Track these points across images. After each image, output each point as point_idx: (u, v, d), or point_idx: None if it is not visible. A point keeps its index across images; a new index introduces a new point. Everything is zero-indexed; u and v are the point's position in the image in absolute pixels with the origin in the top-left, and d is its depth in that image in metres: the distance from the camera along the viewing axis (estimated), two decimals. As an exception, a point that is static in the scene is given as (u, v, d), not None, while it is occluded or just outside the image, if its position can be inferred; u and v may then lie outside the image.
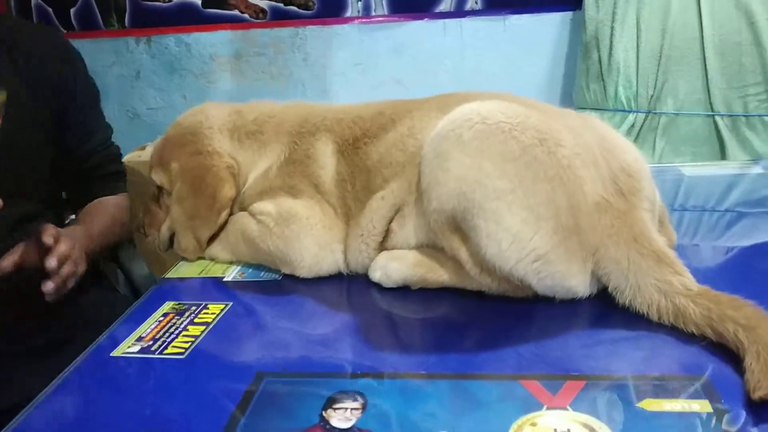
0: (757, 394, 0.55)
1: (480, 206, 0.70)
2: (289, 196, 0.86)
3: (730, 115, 2.01)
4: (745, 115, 2.00)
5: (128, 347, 0.72)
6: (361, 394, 0.61)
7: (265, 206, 0.88)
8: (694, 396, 0.58)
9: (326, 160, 0.87)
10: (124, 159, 2.20)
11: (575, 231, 0.70)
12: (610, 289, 0.72)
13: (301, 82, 2.45)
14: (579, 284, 0.72)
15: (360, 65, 2.41)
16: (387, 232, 0.83)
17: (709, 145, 2.04)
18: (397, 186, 0.81)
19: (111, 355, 0.71)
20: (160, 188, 0.97)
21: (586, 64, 2.14)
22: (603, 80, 2.11)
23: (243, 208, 0.93)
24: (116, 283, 1.54)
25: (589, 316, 0.73)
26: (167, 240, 0.98)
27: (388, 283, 0.81)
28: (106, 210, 1.29)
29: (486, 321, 0.74)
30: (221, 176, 0.91)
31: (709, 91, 2.01)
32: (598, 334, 0.70)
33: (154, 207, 0.99)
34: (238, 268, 0.92)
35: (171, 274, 0.91)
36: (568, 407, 0.57)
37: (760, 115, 1.98)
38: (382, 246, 0.84)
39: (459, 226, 0.73)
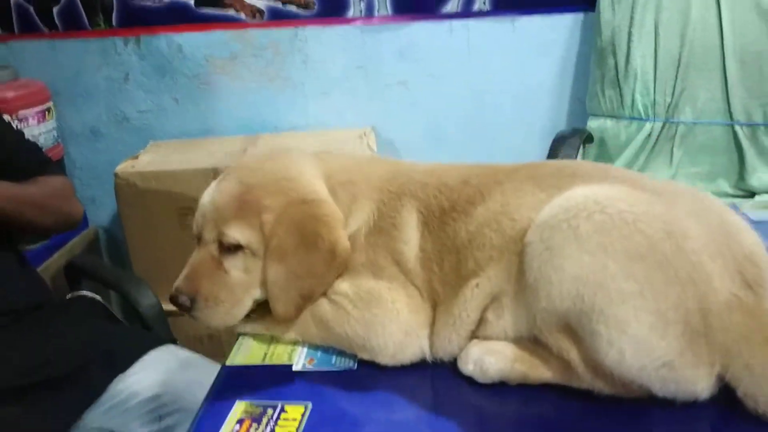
0: None
1: (601, 311, 0.64)
2: (371, 274, 0.79)
3: (750, 125, 1.98)
4: (765, 124, 1.97)
5: (210, 472, 0.64)
6: None
7: (341, 285, 0.80)
8: None
9: (411, 233, 0.79)
10: (116, 170, 2.12)
11: (704, 334, 0.65)
12: (739, 394, 0.66)
13: (300, 84, 2.36)
14: (705, 388, 0.67)
15: (362, 68, 2.33)
16: (480, 321, 0.76)
17: (728, 154, 2.01)
18: (494, 274, 0.74)
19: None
20: (235, 247, 0.82)
21: (602, 70, 2.09)
22: (619, 87, 2.05)
23: None
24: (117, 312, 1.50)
25: (710, 421, 0.67)
26: (246, 311, 0.85)
27: (482, 379, 0.75)
28: (40, 182, 1.42)
29: (596, 428, 0.68)
30: (336, 226, 0.80)
31: (728, 99, 1.98)
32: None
33: (218, 271, 0.83)
34: (305, 350, 0.84)
35: (232, 360, 0.83)
36: None
37: (779, 124, 1.95)
38: (474, 334, 0.77)
39: (573, 328, 0.66)
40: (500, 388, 0.75)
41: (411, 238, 0.79)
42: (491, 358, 0.74)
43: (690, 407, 0.68)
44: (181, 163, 2.18)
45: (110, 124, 2.46)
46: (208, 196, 0.83)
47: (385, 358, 0.78)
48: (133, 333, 1.43)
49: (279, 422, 0.71)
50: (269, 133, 2.41)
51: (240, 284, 0.81)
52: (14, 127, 1.63)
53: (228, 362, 0.83)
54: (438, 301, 0.78)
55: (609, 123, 2.08)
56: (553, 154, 1.75)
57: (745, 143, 1.98)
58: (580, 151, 2.03)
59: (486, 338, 0.76)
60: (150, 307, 1.50)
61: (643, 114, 2.04)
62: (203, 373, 1.30)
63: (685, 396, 0.67)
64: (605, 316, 0.64)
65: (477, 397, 0.74)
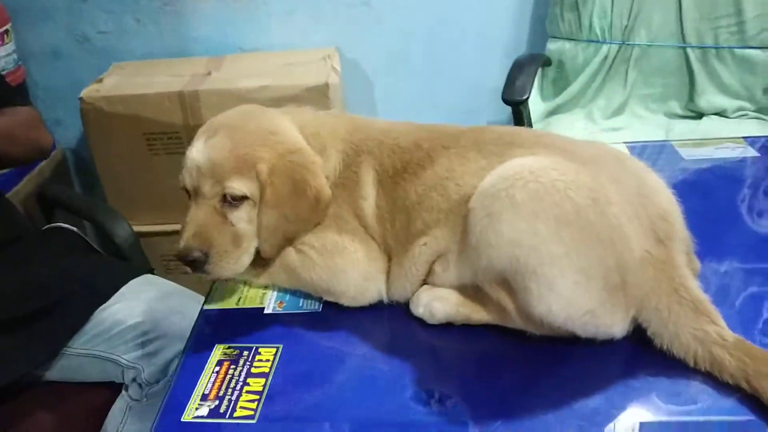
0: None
1: (533, 271, 0.73)
2: (335, 226, 0.87)
3: (701, 47, 2.04)
4: (715, 47, 2.04)
5: (196, 409, 0.75)
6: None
7: (308, 236, 0.88)
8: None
9: (368, 189, 0.87)
10: (82, 94, 2.13)
11: (622, 286, 0.75)
12: (649, 333, 0.77)
13: (264, 4, 2.35)
14: (620, 330, 0.77)
15: (325, -13, 2.32)
16: (429, 271, 0.85)
17: (680, 77, 2.09)
18: (440, 234, 0.83)
19: (182, 420, 0.73)
20: (240, 199, 0.85)
21: (561, -7, 2.12)
22: (578, 10, 2.10)
23: None
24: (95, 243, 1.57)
25: (624, 356, 0.78)
26: (251, 258, 0.89)
27: (431, 320, 0.85)
28: (8, 113, 1.43)
29: (527, 362, 0.79)
30: (320, 174, 0.87)
31: (681, 23, 2.04)
32: (640, 383, 0.76)
33: (225, 224, 0.86)
34: (275, 295, 0.93)
35: (209, 304, 0.92)
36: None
37: (729, 47, 2.03)
38: (424, 282, 0.86)
39: (509, 283, 0.76)
40: (446, 327, 0.85)
41: (369, 194, 0.87)
42: (438, 304, 0.84)
43: (607, 344, 0.79)
44: (147, 86, 2.19)
45: (71, 45, 2.44)
46: (200, 154, 0.85)
47: (347, 301, 0.88)
48: (112, 264, 1.50)
49: (254, 364, 0.81)
50: (233, 54, 2.41)
51: (246, 234, 0.86)
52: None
53: (206, 306, 0.92)
54: (391, 254, 0.87)
55: (567, 45, 2.13)
56: (510, 80, 1.81)
57: (696, 66, 2.06)
58: (538, 74, 2.08)
59: (434, 285, 0.86)
60: (126, 238, 1.56)
61: (600, 36, 2.09)
62: (181, 301, 1.40)
63: (604, 336, 0.78)
64: (536, 275, 0.74)
65: (426, 335, 0.85)
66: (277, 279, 0.93)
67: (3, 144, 1.43)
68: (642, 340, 0.78)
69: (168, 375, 1.32)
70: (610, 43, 2.09)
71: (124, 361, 1.33)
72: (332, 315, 0.89)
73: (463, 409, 0.75)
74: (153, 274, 1.49)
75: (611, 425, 0.70)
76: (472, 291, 0.83)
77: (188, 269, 0.84)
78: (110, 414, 1.38)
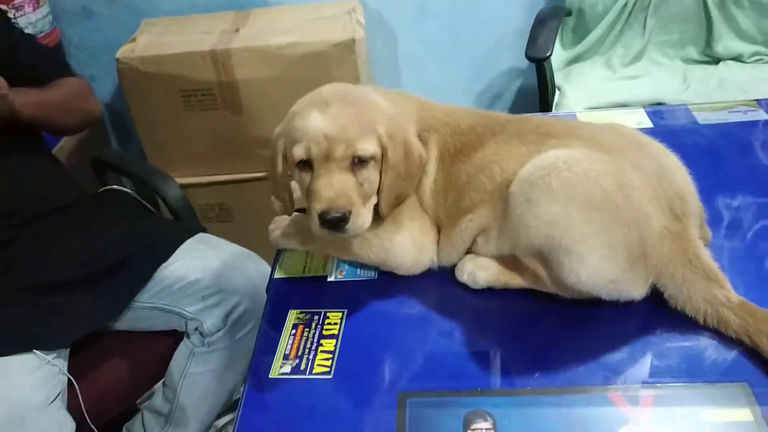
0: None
1: (567, 248, 0.85)
2: (405, 211, 0.98)
3: (719, -6, 2.09)
4: (733, -7, 2.08)
5: (280, 367, 0.89)
6: (490, 414, 0.80)
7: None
8: (741, 404, 0.78)
9: (431, 165, 0.98)
10: (117, 55, 2.22)
11: (642, 258, 0.87)
12: (665, 296, 0.90)
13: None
14: (640, 294, 0.90)
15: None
16: (473, 243, 0.98)
17: (697, 23, 2.15)
18: (484, 212, 0.95)
19: (270, 376, 0.87)
20: (367, 160, 0.92)
21: (582, -58, 2.15)
22: (598, -41, 2.13)
23: None
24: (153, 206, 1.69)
25: (643, 315, 0.91)
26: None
27: (474, 286, 0.98)
28: (61, 84, 1.55)
29: (559, 321, 0.93)
30: (416, 138, 0.97)
31: (700, -31, 2.07)
32: (657, 339, 0.88)
33: (358, 185, 0.92)
34: (335, 264, 1.06)
35: (278, 273, 1.05)
36: (647, 420, 0.77)
37: (747, -7, 2.07)
38: (468, 251, 0.99)
39: (544, 257, 0.88)
40: (487, 291, 0.98)
41: (430, 170, 0.98)
42: (481, 272, 0.97)
43: (628, 305, 0.91)
44: (179, 45, 2.26)
45: (101, 3, 2.51)
46: (327, 122, 0.90)
47: (403, 272, 1.01)
48: (169, 224, 1.64)
49: (324, 326, 0.94)
50: (258, 8, 2.47)
51: (371, 193, 0.94)
52: (21, 29, 1.72)
53: (276, 275, 1.05)
54: (441, 226, 0.99)
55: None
56: (533, 36, 1.88)
57: (714, 11, 2.11)
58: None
59: (477, 254, 0.98)
60: (178, 198, 1.69)
61: (619, -15, 2.14)
62: (234, 258, 1.54)
63: (626, 299, 0.90)
64: (569, 251, 0.86)
65: (471, 298, 0.98)
66: (337, 253, 1.05)
67: (60, 116, 1.54)
68: (658, 301, 0.90)
69: (227, 325, 1.47)
70: (629, -9, 2.14)
71: (187, 313, 1.47)
72: (387, 281, 1.01)
73: (504, 362, 0.88)
74: (205, 232, 1.62)
75: (631, 374, 0.83)
76: (510, 260, 0.95)
77: (326, 229, 0.91)
78: (174, 358, 1.54)
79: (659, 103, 1.85)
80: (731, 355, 0.84)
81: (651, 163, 0.91)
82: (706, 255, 0.89)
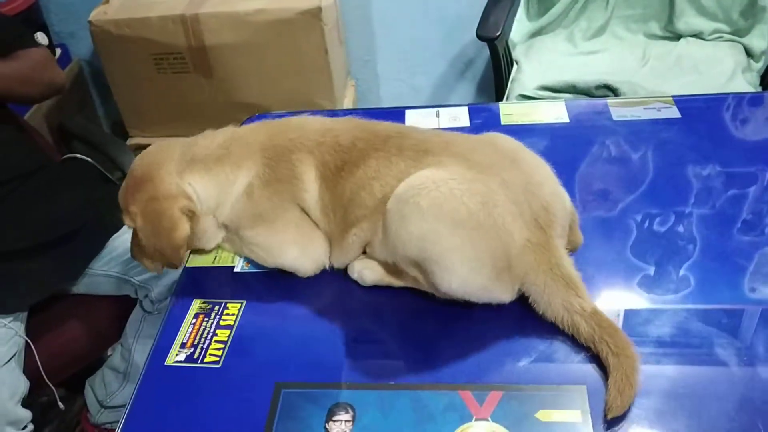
0: (609, 415, 0.84)
1: (437, 261, 0.93)
2: (277, 217, 1.05)
3: (681, -29, 2.09)
4: (695, -29, 2.08)
5: (176, 355, 0.98)
6: (351, 406, 0.89)
7: (255, 238, 1.08)
8: (576, 407, 0.86)
9: (310, 184, 1.04)
10: (90, 18, 2.26)
11: (507, 268, 0.94)
12: (530, 300, 0.97)
13: None
14: (508, 298, 0.98)
15: None
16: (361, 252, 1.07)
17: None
18: (367, 227, 1.02)
19: (165, 364, 0.97)
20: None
21: None
22: (564, -67, 2.13)
23: (237, 228, 1.09)
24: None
25: (511, 320, 0.99)
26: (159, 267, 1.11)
27: (362, 284, 1.07)
28: (22, 56, 1.58)
29: (436, 318, 1.01)
30: (174, 219, 1.03)
31: (664, -55, 2.07)
32: (518, 340, 0.96)
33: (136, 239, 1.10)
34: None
35: (190, 263, 1.13)
36: (489, 418, 0.86)
37: (709, -30, 2.07)
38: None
39: (419, 266, 0.96)
40: (376, 288, 1.07)
41: (311, 188, 1.05)
42: (368, 272, 1.06)
43: (502, 307, 0.99)
44: (150, 8, 2.31)
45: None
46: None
47: (300, 275, 1.10)
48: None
49: (222, 317, 1.03)
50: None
51: (149, 246, 1.09)
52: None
53: (187, 264, 1.13)
54: (332, 238, 1.07)
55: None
56: (485, 15, 1.91)
57: (676, -10, 2.11)
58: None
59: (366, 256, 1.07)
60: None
61: (584, -39, 2.14)
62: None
63: (496, 302, 0.98)
64: (438, 263, 0.94)
65: (360, 293, 1.07)
66: (241, 254, 1.15)
67: (20, 87, 1.60)
68: (525, 304, 0.98)
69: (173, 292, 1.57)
70: (594, -33, 2.14)
71: (136, 282, 1.57)
72: (288, 275, 1.10)
73: (375, 357, 0.97)
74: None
75: (485, 374, 0.92)
76: (392, 265, 1.03)
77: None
78: (129, 321, 1.65)
79: (607, 86, 1.88)
80: (578, 358, 0.92)
81: (520, 179, 0.98)
82: (568, 264, 0.96)
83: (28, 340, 1.50)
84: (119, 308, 1.67)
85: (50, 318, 1.59)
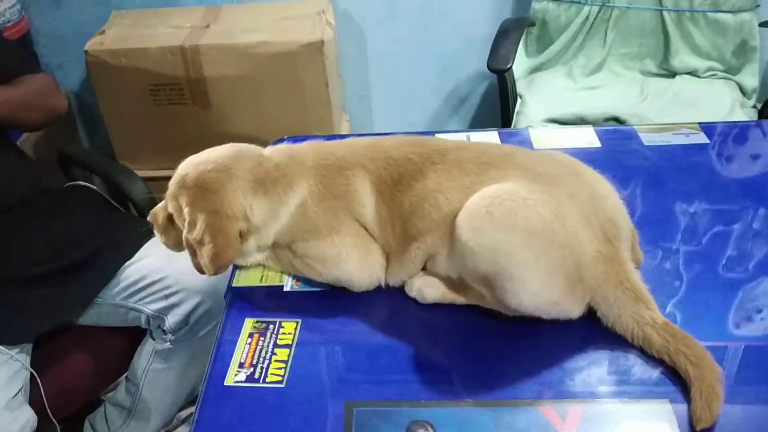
0: (699, 426, 0.82)
1: (509, 274, 0.91)
2: (333, 232, 1.02)
3: (677, 11, 2.17)
4: (690, 11, 2.16)
5: (235, 375, 0.93)
6: (430, 424, 0.85)
7: (309, 251, 1.04)
8: (663, 420, 0.84)
9: (366, 199, 1.02)
10: (86, 47, 2.23)
11: (579, 281, 0.93)
12: (598, 314, 0.96)
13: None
14: (577, 313, 0.96)
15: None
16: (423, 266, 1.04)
17: (655, 37, 2.23)
18: (431, 240, 0.99)
19: (225, 384, 0.92)
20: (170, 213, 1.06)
21: (544, -44, 2.21)
22: (561, -28, 2.20)
23: (288, 244, 1.06)
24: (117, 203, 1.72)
25: (580, 331, 0.97)
26: (175, 248, 1.11)
27: (422, 302, 1.04)
28: (25, 81, 1.55)
29: (501, 336, 0.98)
30: (230, 239, 1.01)
31: (659, -14, 2.15)
32: (588, 354, 0.95)
33: (164, 218, 1.09)
34: (291, 275, 1.11)
35: (236, 282, 1.09)
36: (575, 433, 0.84)
37: (703, 11, 2.15)
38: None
39: (488, 281, 0.94)
40: (434, 306, 1.04)
41: (367, 203, 1.02)
42: (429, 289, 1.03)
43: (567, 322, 0.97)
44: (149, 39, 2.28)
45: (66, -9, 2.50)
46: None
47: (354, 290, 1.06)
48: (134, 221, 1.66)
49: (279, 336, 0.99)
50: (229, 5, 2.49)
51: (165, 230, 1.12)
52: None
53: (234, 284, 1.09)
54: (391, 252, 1.04)
55: (551, 5, 2.24)
56: (495, 48, 1.94)
57: (671, 28, 2.19)
58: (524, 32, 2.20)
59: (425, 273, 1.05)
60: (143, 196, 1.72)
61: (582, -2, 2.21)
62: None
63: (564, 318, 0.97)
64: (512, 276, 0.91)
65: (418, 312, 1.03)
66: (292, 272, 1.11)
67: (22, 113, 1.55)
68: (594, 319, 0.97)
69: (189, 323, 1.51)
70: (591, 4, 2.21)
71: (149, 311, 1.51)
72: (340, 293, 1.06)
73: (447, 374, 0.95)
74: (170, 230, 1.64)
75: (563, 389, 0.90)
76: (456, 281, 1.01)
77: None
78: (137, 355, 1.58)
79: (614, 118, 1.92)
80: (655, 373, 0.91)
81: (585, 191, 0.97)
82: (636, 277, 0.95)
83: (34, 373, 1.42)
84: (126, 340, 1.61)
85: (55, 350, 1.52)
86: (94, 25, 2.41)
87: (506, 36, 1.95)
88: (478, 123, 2.75)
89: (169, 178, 2.40)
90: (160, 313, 1.51)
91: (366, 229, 1.04)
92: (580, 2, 2.22)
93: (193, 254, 1.03)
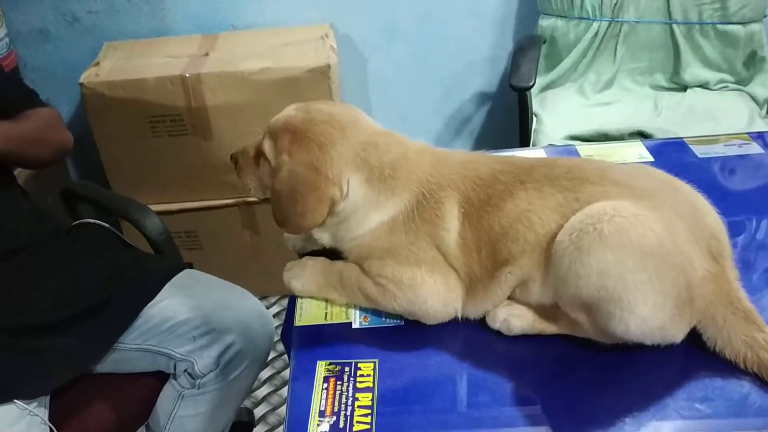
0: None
1: (618, 298, 0.84)
2: (412, 256, 0.95)
3: (686, 23, 2.15)
4: (699, 23, 2.15)
5: (317, 425, 0.84)
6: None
7: (384, 269, 0.96)
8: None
9: (452, 222, 0.95)
10: (82, 80, 2.13)
11: (689, 302, 0.86)
12: (704, 338, 0.90)
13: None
14: (681, 337, 0.90)
15: (319, -37, 2.33)
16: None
17: (665, 51, 2.21)
18: (526, 264, 0.92)
19: (308, 437, 0.83)
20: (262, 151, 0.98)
21: (552, -29, 2.19)
22: (569, -13, 2.17)
23: (361, 260, 0.99)
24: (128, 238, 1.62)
25: (684, 360, 0.91)
26: (258, 191, 1.04)
27: (508, 333, 0.96)
28: (32, 116, 1.46)
29: (596, 366, 0.91)
30: (323, 202, 0.94)
31: (668, 0, 2.13)
32: (697, 383, 0.88)
33: (251, 156, 1.01)
34: (358, 310, 1.03)
35: (299, 321, 1.00)
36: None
37: (712, 23, 2.14)
38: (501, 301, 0.97)
39: (591, 307, 0.86)
40: (518, 336, 0.96)
41: (452, 227, 0.95)
42: (515, 320, 0.95)
43: (667, 347, 0.90)
44: (147, 69, 2.20)
45: (60, 25, 2.41)
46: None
47: (427, 321, 0.98)
48: (154, 260, 1.56)
49: (357, 379, 0.91)
50: (226, 32, 2.42)
51: (253, 172, 1.04)
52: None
53: (297, 323, 1.00)
54: (475, 279, 0.96)
55: (559, 23, 2.21)
56: (516, 65, 1.89)
57: (681, 41, 2.17)
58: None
59: (512, 302, 0.97)
60: (159, 233, 1.62)
61: (590, 14, 2.18)
62: (225, 295, 1.48)
63: (668, 342, 0.90)
64: (621, 301, 0.84)
65: (501, 344, 0.96)
66: (357, 302, 1.02)
67: (33, 149, 1.46)
68: (693, 342, 0.90)
69: (220, 365, 1.41)
70: (600, 20, 2.18)
71: (177, 355, 1.41)
72: (415, 328, 0.98)
73: (545, 411, 0.87)
74: (192, 268, 1.56)
75: (676, 423, 0.83)
76: (547, 309, 0.94)
77: None
78: (160, 401, 1.47)
79: (639, 132, 1.88)
80: (770, 398, 0.84)
81: (686, 206, 0.91)
82: (745, 297, 0.89)
83: (53, 427, 1.32)
84: (147, 386, 1.50)
85: (73, 401, 1.41)
86: (83, 57, 2.32)
87: (525, 53, 1.91)
88: (482, 144, 2.70)
89: (170, 211, 2.34)
90: (187, 356, 1.41)
91: (447, 255, 0.96)
92: (588, 18, 2.19)
93: (277, 203, 0.94)
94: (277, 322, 1.95)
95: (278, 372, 2.17)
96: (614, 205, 0.85)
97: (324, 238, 1.03)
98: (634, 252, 0.83)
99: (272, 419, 2.04)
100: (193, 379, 1.42)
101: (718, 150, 1.33)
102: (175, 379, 1.46)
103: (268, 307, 2.38)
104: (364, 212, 0.97)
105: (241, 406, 1.73)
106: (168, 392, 1.47)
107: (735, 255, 0.96)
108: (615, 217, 0.84)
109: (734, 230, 1.08)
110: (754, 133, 1.38)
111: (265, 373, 2.16)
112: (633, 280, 0.83)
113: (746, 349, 0.87)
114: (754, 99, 2.16)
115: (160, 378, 1.48)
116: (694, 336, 0.90)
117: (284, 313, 2.04)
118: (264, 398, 2.09)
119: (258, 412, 2.05)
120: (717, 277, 0.88)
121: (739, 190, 1.24)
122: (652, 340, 0.89)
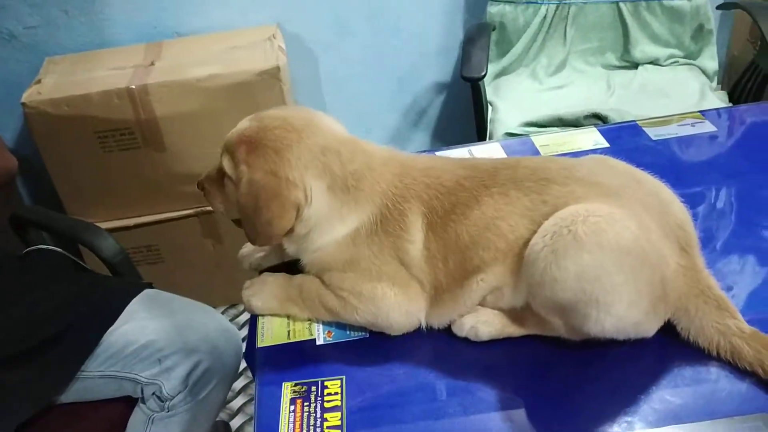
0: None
1: (596, 299, 0.82)
2: (374, 269, 0.93)
3: (633, 1, 2.16)
4: (646, 1, 2.15)
5: (289, 453, 0.82)
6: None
7: (345, 283, 0.94)
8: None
9: (416, 234, 0.92)
10: (23, 99, 2.06)
11: (663, 297, 0.86)
12: (678, 328, 0.89)
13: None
14: (654, 331, 0.89)
15: (260, -38, 2.28)
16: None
17: (614, 30, 2.21)
18: (498, 271, 0.90)
19: (281, 466, 0.81)
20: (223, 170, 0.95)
21: (498, -44, 2.17)
22: (510, -28, 2.16)
23: (322, 271, 0.97)
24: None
25: (654, 352, 0.90)
26: (232, 213, 1.00)
27: (475, 340, 0.94)
28: None
29: (570, 364, 0.90)
30: (287, 207, 0.91)
31: (614, -21, 2.14)
32: (671, 375, 0.87)
33: (214, 178, 0.99)
34: (321, 326, 1.00)
35: (261, 342, 0.98)
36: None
37: (659, 0, 2.15)
38: (469, 308, 0.95)
39: (566, 310, 0.85)
40: (487, 342, 0.95)
41: (416, 238, 0.92)
42: (483, 327, 0.94)
43: (639, 341, 0.90)
44: (91, 84, 2.13)
45: (-4, 44, 2.33)
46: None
47: (392, 333, 0.96)
48: (111, 283, 1.52)
49: (325, 398, 0.88)
50: (170, 40, 2.36)
51: (218, 195, 1.01)
52: None
53: (259, 345, 0.97)
54: (441, 290, 0.94)
55: (507, 8, 2.20)
56: (467, 57, 1.87)
57: (629, 19, 2.18)
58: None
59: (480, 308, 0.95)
60: (116, 253, 1.57)
61: (538, -2, 2.17)
62: (188, 314, 1.44)
63: (641, 337, 0.89)
64: (598, 302, 0.83)
65: (470, 350, 0.94)
66: (319, 316, 1.00)
67: None
68: (666, 333, 0.90)
69: (188, 386, 1.38)
70: (549, 3, 2.18)
71: (143, 379, 1.37)
72: (381, 340, 0.96)
73: (522, 416, 0.85)
74: (151, 287, 1.51)
75: (652, 416, 0.82)
76: (517, 311, 0.93)
77: None
78: (130, 426, 1.43)
79: (594, 115, 1.88)
80: (744, 386, 0.84)
81: (652, 199, 0.90)
82: (715, 284, 0.89)
83: (18, 467, 1.27)
84: (115, 412, 1.46)
85: (36, 436, 1.36)
86: (23, 75, 2.24)
87: (474, 43, 1.89)
88: (442, 136, 2.68)
89: (129, 227, 2.28)
90: (154, 379, 1.37)
91: (411, 266, 0.93)
92: (536, 2, 2.18)
93: (245, 217, 0.92)
94: (244, 333, 1.91)
95: (252, 381, 2.14)
96: (586, 206, 0.84)
97: (291, 249, 1.00)
98: (611, 252, 0.81)
99: (250, 429, 2.01)
100: (162, 401, 1.39)
101: (672, 131, 1.33)
102: (144, 403, 1.42)
103: (236, 315, 2.35)
104: (329, 223, 0.94)
105: (217, 419, 1.70)
106: (137, 417, 1.43)
107: (696, 225, 0.95)
108: (589, 218, 0.82)
109: (693, 202, 1.08)
110: (706, 111, 1.38)
111: (239, 383, 2.12)
112: (611, 281, 0.82)
113: (719, 336, 0.86)
114: (704, 72, 2.17)
115: (128, 403, 1.44)
116: (667, 327, 0.90)
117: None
118: (240, 409, 2.06)
119: (234, 423, 2.02)
120: (688, 269, 0.88)
121: (695, 163, 1.23)
122: (626, 336, 0.88)
